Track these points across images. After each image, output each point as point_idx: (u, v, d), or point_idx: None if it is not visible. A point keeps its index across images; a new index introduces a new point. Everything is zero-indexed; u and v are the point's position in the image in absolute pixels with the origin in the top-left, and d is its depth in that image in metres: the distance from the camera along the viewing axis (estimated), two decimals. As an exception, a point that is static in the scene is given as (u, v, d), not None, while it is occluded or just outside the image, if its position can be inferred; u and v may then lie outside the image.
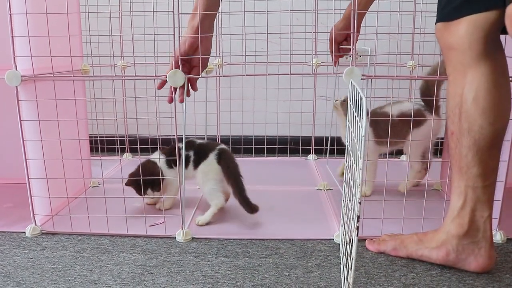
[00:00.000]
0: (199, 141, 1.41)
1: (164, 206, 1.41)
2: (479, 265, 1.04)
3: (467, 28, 0.96)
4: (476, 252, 1.04)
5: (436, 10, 1.04)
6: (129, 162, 1.99)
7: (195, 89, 1.22)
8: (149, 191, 1.35)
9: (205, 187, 1.35)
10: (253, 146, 2.13)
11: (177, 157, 1.26)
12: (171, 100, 1.19)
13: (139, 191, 1.33)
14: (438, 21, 1.03)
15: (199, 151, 1.37)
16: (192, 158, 1.36)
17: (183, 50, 1.16)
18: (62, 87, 1.27)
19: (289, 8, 1.22)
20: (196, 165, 1.36)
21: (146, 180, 1.30)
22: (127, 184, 1.34)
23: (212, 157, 1.35)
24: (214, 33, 1.12)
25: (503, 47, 1.01)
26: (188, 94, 1.18)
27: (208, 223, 1.33)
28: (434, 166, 1.62)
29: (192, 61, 1.19)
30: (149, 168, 1.37)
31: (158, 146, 1.89)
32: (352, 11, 1.15)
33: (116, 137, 2.01)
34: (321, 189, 1.65)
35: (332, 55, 1.46)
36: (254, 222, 1.35)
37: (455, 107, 1.01)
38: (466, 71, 0.98)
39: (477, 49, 0.96)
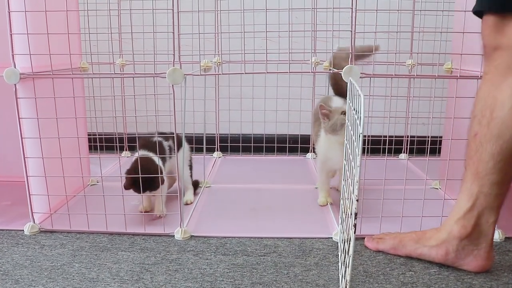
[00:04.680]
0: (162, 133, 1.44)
1: (163, 212, 1.34)
2: (477, 265, 1.04)
3: None
4: (475, 253, 1.03)
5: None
6: (128, 160, 1.98)
7: None
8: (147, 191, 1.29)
9: (185, 172, 1.47)
10: (252, 144, 2.13)
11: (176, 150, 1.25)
12: None
13: (138, 190, 1.27)
14: (487, 10, 0.91)
15: (176, 140, 1.30)
16: (174, 148, 1.35)
17: None
18: (61, 85, 1.27)
19: (288, 6, 1.22)
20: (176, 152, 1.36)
21: (145, 179, 1.24)
22: (126, 188, 1.27)
23: (186, 145, 1.47)
24: (213, 31, 1.12)
25: None
26: None
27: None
28: (433, 165, 1.61)
29: None
30: (148, 165, 1.28)
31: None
32: (351, 9, 1.15)
33: (115, 135, 2.01)
34: (320, 188, 1.65)
35: None
36: (253, 220, 1.35)
37: (486, 108, 0.95)
38: (508, 75, 0.92)
39: None
